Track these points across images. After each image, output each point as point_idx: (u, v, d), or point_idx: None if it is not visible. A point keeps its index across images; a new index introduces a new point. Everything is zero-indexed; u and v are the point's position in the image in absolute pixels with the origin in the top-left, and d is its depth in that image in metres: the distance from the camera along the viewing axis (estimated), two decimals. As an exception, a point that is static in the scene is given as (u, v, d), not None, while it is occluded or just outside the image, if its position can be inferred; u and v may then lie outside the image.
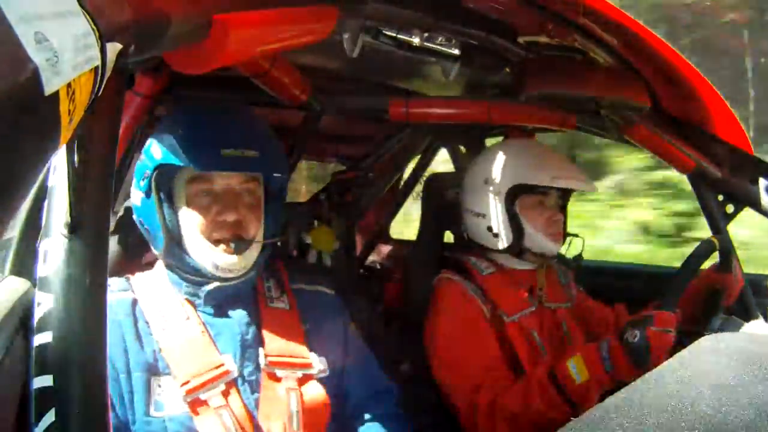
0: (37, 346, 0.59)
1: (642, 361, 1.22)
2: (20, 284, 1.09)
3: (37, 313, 0.59)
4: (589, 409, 0.57)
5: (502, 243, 1.52)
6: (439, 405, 1.59)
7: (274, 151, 1.09)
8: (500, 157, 1.55)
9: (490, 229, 1.52)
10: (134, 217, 1.10)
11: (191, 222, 1.04)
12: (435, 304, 1.53)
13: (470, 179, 1.60)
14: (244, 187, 1.07)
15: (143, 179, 1.04)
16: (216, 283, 1.06)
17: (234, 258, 1.04)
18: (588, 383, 1.26)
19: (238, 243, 1.03)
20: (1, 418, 0.87)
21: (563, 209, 1.58)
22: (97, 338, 0.60)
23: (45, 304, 0.59)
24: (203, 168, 1.01)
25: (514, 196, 1.49)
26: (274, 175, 1.10)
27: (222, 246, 1.03)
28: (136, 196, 1.07)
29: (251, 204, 1.07)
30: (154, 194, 1.03)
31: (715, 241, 1.42)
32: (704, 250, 1.40)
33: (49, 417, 0.56)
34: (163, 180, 1.04)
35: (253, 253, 1.07)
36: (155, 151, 1.03)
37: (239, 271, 1.06)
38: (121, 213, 1.31)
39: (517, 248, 1.52)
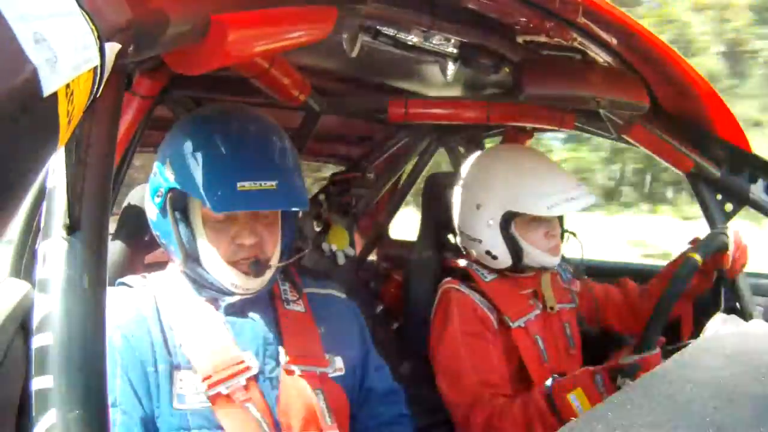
0: (36, 348, 0.58)
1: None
2: (19, 286, 1.09)
3: (37, 315, 0.59)
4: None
5: (502, 264, 1.51)
6: (439, 405, 1.59)
7: (294, 178, 1.03)
8: (490, 179, 1.50)
9: (488, 252, 1.50)
10: (151, 229, 1.09)
11: (209, 243, 1.03)
12: (441, 315, 1.52)
13: (461, 203, 1.56)
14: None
15: (158, 196, 1.03)
16: (237, 297, 1.07)
17: (251, 279, 1.04)
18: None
19: (256, 266, 1.03)
20: (1, 419, 0.87)
21: (559, 221, 1.56)
22: (96, 339, 0.59)
23: (44, 305, 0.59)
24: (218, 208, 0.96)
25: (508, 219, 1.46)
26: (293, 209, 1.07)
27: (240, 267, 1.03)
28: (151, 211, 1.07)
29: (268, 223, 1.06)
30: (169, 214, 1.02)
31: (696, 257, 1.39)
32: (686, 270, 1.37)
33: (49, 418, 0.56)
34: (179, 200, 1.02)
35: (270, 272, 1.07)
36: (169, 172, 1.01)
37: (256, 289, 1.06)
38: (119, 214, 1.31)
39: (517, 266, 1.51)
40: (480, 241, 1.51)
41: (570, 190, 1.44)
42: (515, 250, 1.48)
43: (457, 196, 1.59)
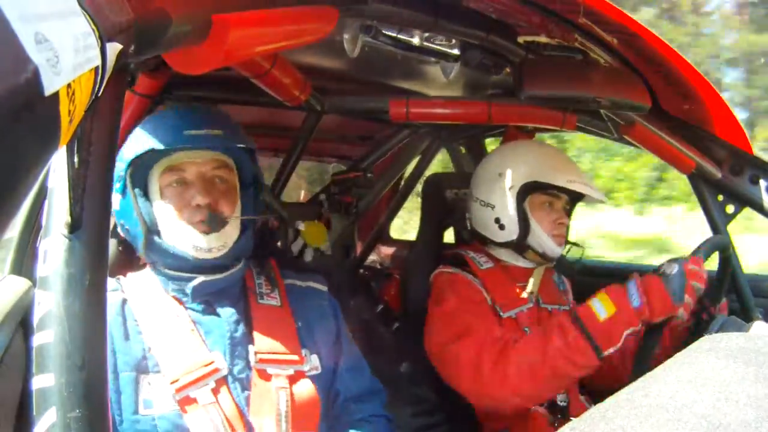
0: (37, 346, 0.59)
1: (677, 292, 1.24)
2: (20, 284, 1.09)
3: (38, 313, 0.59)
4: (587, 411, 0.57)
5: (508, 236, 1.53)
6: (439, 405, 1.59)
7: (238, 130, 1.11)
8: (518, 153, 1.58)
9: (497, 220, 1.53)
10: (115, 222, 1.09)
11: (166, 210, 1.05)
12: (436, 294, 1.52)
13: (484, 170, 1.61)
14: (216, 174, 1.08)
15: (118, 181, 1.05)
16: (201, 278, 1.06)
17: (212, 236, 1.04)
18: (613, 318, 1.25)
19: (213, 219, 1.04)
20: (1, 417, 0.87)
21: (568, 215, 1.59)
22: (97, 337, 0.60)
23: (45, 303, 0.59)
24: (168, 145, 1.02)
25: (525, 192, 1.51)
26: (239, 146, 1.11)
27: (197, 226, 1.04)
28: (114, 201, 1.07)
29: (224, 190, 1.08)
30: (129, 191, 1.04)
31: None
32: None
33: (50, 416, 0.56)
34: (137, 176, 1.06)
35: (231, 232, 1.07)
36: (126, 151, 1.05)
37: (219, 251, 1.05)
38: None
39: (520, 244, 1.52)
40: (493, 207, 1.53)
41: (586, 179, 1.52)
42: (524, 225, 1.50)
43: (481, 167, 1.63)
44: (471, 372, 1.35)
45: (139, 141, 1.03)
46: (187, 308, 1.07)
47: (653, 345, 1.28)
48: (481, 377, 1.33)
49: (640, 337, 1.30)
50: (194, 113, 1.08)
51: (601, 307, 1.27)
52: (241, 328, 1.06)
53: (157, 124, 1.06)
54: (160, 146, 1.01)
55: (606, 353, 1.25)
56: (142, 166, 1.05)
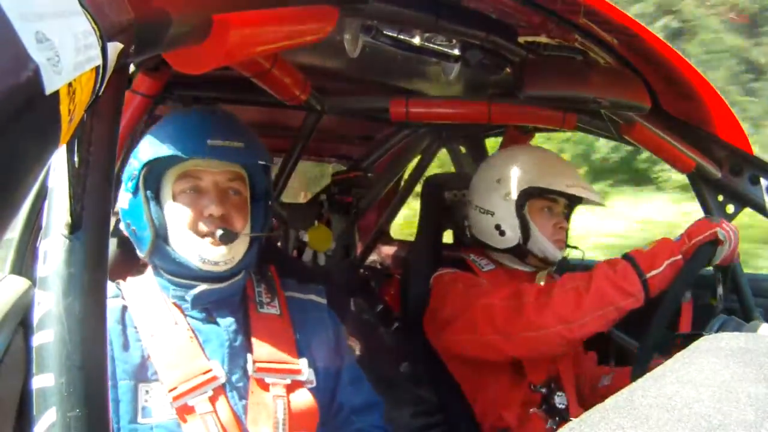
0: (37, 346, 0.59)
1: (714, 217, 1.33)
2: (20, 283, 1.09)
3: (37, 313, 0.59)
4: (593, 407, 0.57)
5: (508, 242, 1.52)
6: (438, 405, 1.59)
7: (259, 144, 1.10)
8: (516, 159, 1.57)
9: (497, 227, 1.53)
10: (121, 221, 1.09)
11: (177, 216, 1.04)
12: (439, 295, 1.52)
13: (482, 177, 1.61)
14: (230, 185, 1.07)
15: (131, 180, 1.05)
16: (203, 286, 1.05)
17: (221, 249, 1.03)
18: (655, 248, 1.30)
19: (225, 233, 1.03)
20: (1, 417, 0.87)
21: (567, 219, 1.59)
22: (97, 337, 0.60)
23: (45, 303, 0.59)
24: (190, 154, 1.01)
25: (524, 198, 1.50)
26: (260, 162, 1.11)
27: (208, 239, 1.03)
28: (123, 199, 1.07)
29: (237, 202, 1.08)
30: (141, 192, 1.03)
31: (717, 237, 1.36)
32: (701, 258, 1.33)
33: (50, 416, 0.56)
34: (151, 178, 1.05)
35: (239, 247, 1.06)
36: (143, 151, 1.04)
37: (225, 265, 1.04)
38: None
39: (521, 249, 1.52)
40: (492, 214, 1.53)
41: (584, 183, 1.53)
42: (524, 230, 1.50)
43: (479, 173, 1.63)
44: (508, 309, 1.34)
45: (160, 143, 1.02)
46: (186, 316, 1.07)
47: (690, 274, 1.30)
48: (520, 309, 1.32)
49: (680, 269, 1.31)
50: (217, 121, 1.07)
51: (645, 246, 1.34)
52: (240, 337, 1.06)
53: (180, 128, 1.04)
54: (181, 153, 1.00)
55: (648, 276, 1.27)
56: (156, 169, 1.04)
